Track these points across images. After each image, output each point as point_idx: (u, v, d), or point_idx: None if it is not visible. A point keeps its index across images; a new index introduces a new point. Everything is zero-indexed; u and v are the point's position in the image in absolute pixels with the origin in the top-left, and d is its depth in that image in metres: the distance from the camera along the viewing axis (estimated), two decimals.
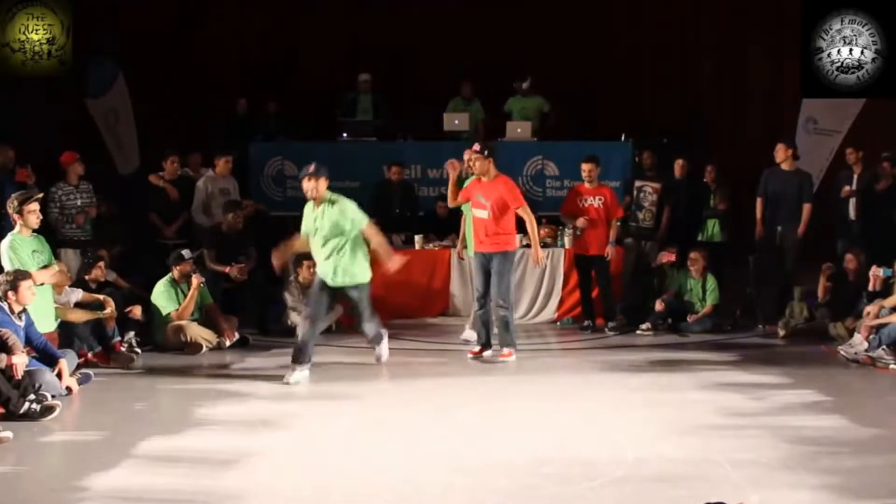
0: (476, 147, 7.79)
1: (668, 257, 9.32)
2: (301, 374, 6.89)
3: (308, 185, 6.91)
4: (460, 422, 5.74)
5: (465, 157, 7.99)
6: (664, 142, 12.01)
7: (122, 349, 7.55)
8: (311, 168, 6.91)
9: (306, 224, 7.06)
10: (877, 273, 8.08)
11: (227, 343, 8.16)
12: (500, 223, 7.61)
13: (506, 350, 7.67)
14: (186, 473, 4.74)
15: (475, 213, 7.71)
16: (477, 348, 7.82)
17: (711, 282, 9.07)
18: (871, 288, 8.14)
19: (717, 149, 12.35)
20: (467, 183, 7.76)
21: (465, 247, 8.41)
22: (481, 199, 7.68)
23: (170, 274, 8.20)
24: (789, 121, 11.86)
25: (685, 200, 10.14)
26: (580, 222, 8.94)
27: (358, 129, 11.53)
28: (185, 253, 8.26)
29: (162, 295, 8.12)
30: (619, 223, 9.13)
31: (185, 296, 8.14)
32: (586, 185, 9.01)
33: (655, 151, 10.47)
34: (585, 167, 8.98)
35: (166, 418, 5.84)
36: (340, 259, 6.93)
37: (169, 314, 8.05)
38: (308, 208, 7.04)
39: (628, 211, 10.01)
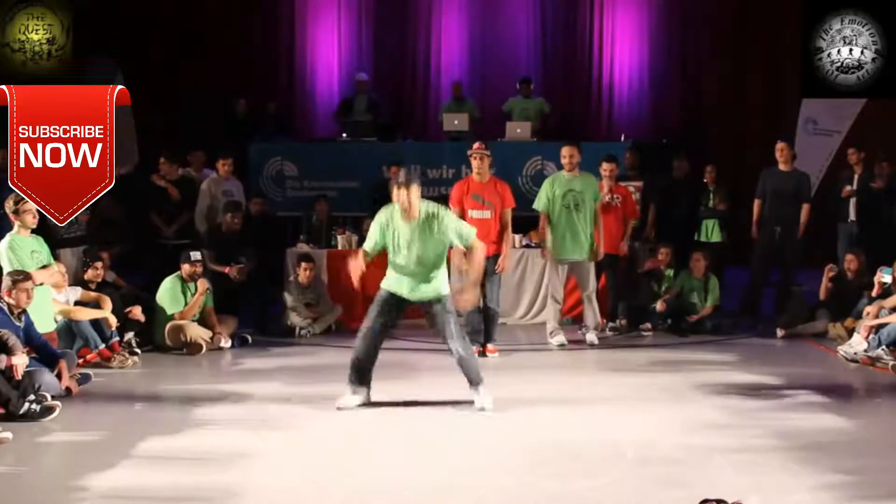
0: (482, 145, 7.82)
1: (652, 263, 9.29)
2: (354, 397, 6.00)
3: (400, 196, 5.83)
4: (460, 421, 5.73)
5: (469, 153, 7.90)
6: (664, 142, 12.02)
7: (122, 349, 7.54)
8: (401, 175, 5.93)
9: (389, 238, 5.97)
10: (881, 279, 8.04)
11: (225, 343, 8.15)
12: (498, 223, 7.70)
13: (492, 346, 7.85)
14: (186, 473, 4.74)
15: (473, 215, 7.68)
16: (476, 347, 7.82)
17: (713, 282, 9.07)
18: (874, 293, 8.11)
19: (716, 149, 12.36)
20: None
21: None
22: (480, 199, 7.70)
23: (178, 272, 8.17)
24: (789, 121, 11.87)
25: (686, 200, 10.13)
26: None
27: (356, 129, 11.53)
28: (194, 254, 8.23)
29: (168, 293, 8.08)
30: (634, 223, 9.11)
31: (191, 294, 8.12)
32: (605, 184, 8.99)
33: (638, 151, 10.44)
34: (607, 167, 8.95)
35: (166, 418, 5.82)
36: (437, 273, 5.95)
37: (172, 314, 8.04)
38: (391, 218, 5.98)
39: None
